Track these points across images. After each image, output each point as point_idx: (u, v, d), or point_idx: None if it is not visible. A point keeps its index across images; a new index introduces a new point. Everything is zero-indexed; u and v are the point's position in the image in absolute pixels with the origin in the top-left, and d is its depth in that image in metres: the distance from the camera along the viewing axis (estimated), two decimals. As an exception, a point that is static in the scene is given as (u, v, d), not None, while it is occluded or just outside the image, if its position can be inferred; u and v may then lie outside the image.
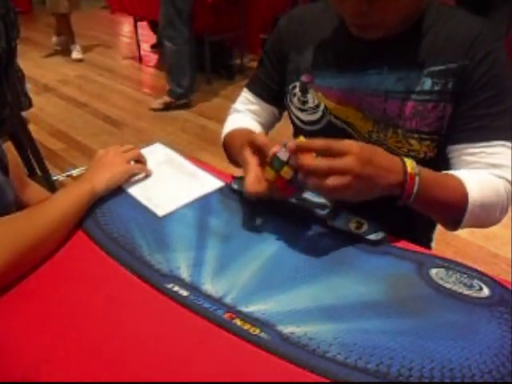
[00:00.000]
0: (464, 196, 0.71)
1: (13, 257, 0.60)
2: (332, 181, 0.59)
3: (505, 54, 0.74)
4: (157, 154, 0.91)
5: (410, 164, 0.65)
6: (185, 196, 0.79)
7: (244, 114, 0.97)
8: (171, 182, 0.83)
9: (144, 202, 0.78)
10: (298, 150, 0.61)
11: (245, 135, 0.83)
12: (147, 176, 0.84)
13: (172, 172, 0.86)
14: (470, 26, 0.74)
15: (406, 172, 0.64)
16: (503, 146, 0.73)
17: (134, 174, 0.83)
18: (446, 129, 0.77)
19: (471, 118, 0.74)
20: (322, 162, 0.60)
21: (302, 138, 0.65)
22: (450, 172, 0.75)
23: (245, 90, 0.98)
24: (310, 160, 0.60)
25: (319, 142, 0.61)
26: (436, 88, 0.75)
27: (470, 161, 0.75)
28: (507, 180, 0.74)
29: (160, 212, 0.75)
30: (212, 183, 0.83)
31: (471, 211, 0.71)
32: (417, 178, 0.65)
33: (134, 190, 0.80)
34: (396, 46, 0.77)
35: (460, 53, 0.73)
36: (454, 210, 0.73)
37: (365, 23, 0.72)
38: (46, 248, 0.66)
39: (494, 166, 0.73)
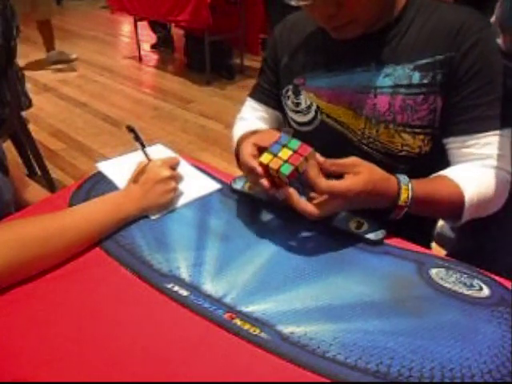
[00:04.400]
0: (460, 199, 0.72)
1: (13, 262, 0.59)
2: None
3: (494, 41, 0.74)
4: (158, 155, 0.91)
5: (403, 193, 0.67)
6: (180, 199, 0.79)
7: (250, 121, 0.97)
8: None
9: None
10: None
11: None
12: None
13: None
14: (455, 17, 0.74)
15: (396, 202, 0.67)
16: (497, 135, 0.74)
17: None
18: (438, 122, 0.77)
19: (463, 109, 0.74)
20: (314, 212, 0.65)
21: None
22: (446, 173, 0.75)
23: (248, 99, 0.99)
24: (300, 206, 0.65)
25: (319, 186, 0.64)
26: (425, 81, 0.75)
27: (466, 152, 0.75)
28: (503, 169, 0.75)
29: (153, 215, 0.75)
30: (209, 186, 0.83)
31: (469, 209, 0.72)
32: (405, 209, 0.68)
33: None
34: (381, 42, 0.78)
35: (446, 44, 0.73)
36: (451, 213, 0.75)
37: (337, 25, 0.73)
38: (56, 259, 0.64)
39: (490, 156, 0.74)
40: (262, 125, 0.96)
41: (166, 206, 0.77)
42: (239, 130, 0.96)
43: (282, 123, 1.00)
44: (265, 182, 0.66)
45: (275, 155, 0.65)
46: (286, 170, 0.63)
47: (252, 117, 0.98)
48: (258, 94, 0.97)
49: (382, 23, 0.77)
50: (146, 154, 0.79)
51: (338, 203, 0.65)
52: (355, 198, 0.64)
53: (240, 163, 0.72)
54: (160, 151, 0.93)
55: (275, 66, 0.92)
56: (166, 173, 0.76)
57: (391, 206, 0.68)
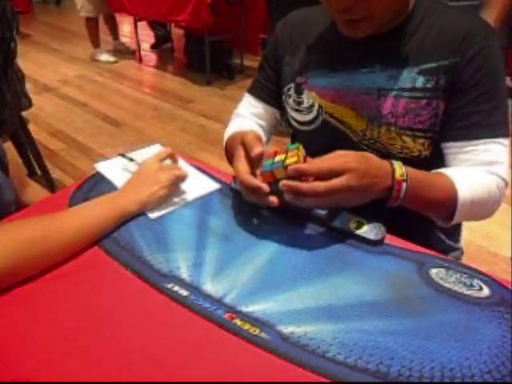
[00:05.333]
0: (453, 194, 0.71)
1: (11, 263, 0.59)
2: (329, 199, 0.63)
3: (498, 48, 0.74)
4: None
5: (398, 168, 0.67)
6: (179, 199, 0.79)
7: (246, 118, 0.98)
8: None
9: None
10: (296, 175, 0.63)
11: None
12: None
13: None
14: (461, 23, 0.74)
15: (394, 177, 0.67)
16: (496, 142, 0.74)
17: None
18: (439, 126, 0.77)
19: (464, 115, 0.74)
20: (320, 186, 0.62)
21: (295, 148, 0.67)
22: (441, 170, 0.75)
23: (246, 94, 0.99)
24: (307, 185, 0.62)
25: (317, 166, 0.63)
26: (428, 85, 0.75)
27: (464, 158, 0.76)
28: (499, 176, 0.75)
29: (152, 214, 0.75)
30: (208, 186, 0.83)
31: (461, 208, 0.72)
32: (404, 184, 0.67)
33: None
34: (386, 44, 0.77)
35: (451, 50, 0.73)
36: (444, 208, 0.74)
37: (352, 18, 0.73)
38: (54, 259, 0.64)
39: (488, 163, 0.74)
40: (258, 121, 0.97)
41: (164, 201, 0.76)
42: (233, 127, 0.96)
43: (279, 121, 1.00)
44: (272, 198, 0.66)
45: (273, 161, 0.67)
46: (291, 160, 0.64)
47: (248, 113, 0.97)
48: (257, 91, 0.97)
49: (391, 25, 0.76)
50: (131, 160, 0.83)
51: (345, 179, 0.62)
52: (358, 171, 0.63)
53: (238, 179, 0.70)
54: (157, 150, 0.93)
55: (276, 63, 0.92)
56: (154, 166, 0.77)
57: (390, 184, 0.67)
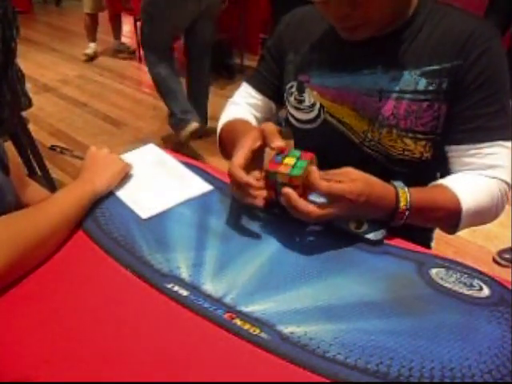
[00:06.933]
0: (457, 208, 0.72)
1: (13, 257, 0.60)
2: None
3: (502, 51, 0.74)
4: (149, 156, 0.92)
5: (402, 198, 0.67)
6: (171, 199, 0.79)
7: (241, 106, 0.97)
8: (159, 184, 0.83)
9: (129, 203, 0.77)
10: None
11: (244, 126, 0.84)
12: (136, 177, 0.84)
13: (161, 174, 0.86)
14: (464, 25, 0.74)
15: (396, 207, 0.67)
16: (499, 145, 0.74)
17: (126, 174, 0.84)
18: (441, 129, 0.77)
19: (467, 118, 0.74)
20: (313, 214, 0.63)
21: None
22: (443, 183, 0.75)
23: (244, 84, 0.98)
24: (303, 206, 0.64)
25: (319, 187, 0.63)
26: (430, 88, 0.75)
27: (468, 161, 0.75)
28: (502, 180, 0.75)
29: (143, 214, 0.75)
30: (201, 187, 0.83)
31: (465, 219, 0.73)
32: (406, 212, 0.68)
33: (121, 192, 0.80)
34: (389, 46, 0.77)
35: (453, 53, 0.73)
36: (448, 222, 0.75)
37: (350, 25, 0.72)
38: (47, 248, 0.66)
39: (490, 166, 0.74)
40: (253, 112, 0.96)
41: (155, 201, 0.78)
42: (229, 114, 0.95)
43: (275, 114, 0.99)
44: (257, 201, 0.66)
45: (280, 164, 0.66)
46: (297, 171, 0.64)
47: (244, 103, 0.97)
48: (256, 81, 0.96)
49: (393, 27, 0.76)
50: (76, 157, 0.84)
51: (339, 207, 0.64)
52: (355, 203, 0.63)
53: (229, 174, 0.68)
54: (151, 152, 0.93)
55: (279, 57, 0.91)
56: (104, 150, 0.82)
57: (391, 212, 0.68)
